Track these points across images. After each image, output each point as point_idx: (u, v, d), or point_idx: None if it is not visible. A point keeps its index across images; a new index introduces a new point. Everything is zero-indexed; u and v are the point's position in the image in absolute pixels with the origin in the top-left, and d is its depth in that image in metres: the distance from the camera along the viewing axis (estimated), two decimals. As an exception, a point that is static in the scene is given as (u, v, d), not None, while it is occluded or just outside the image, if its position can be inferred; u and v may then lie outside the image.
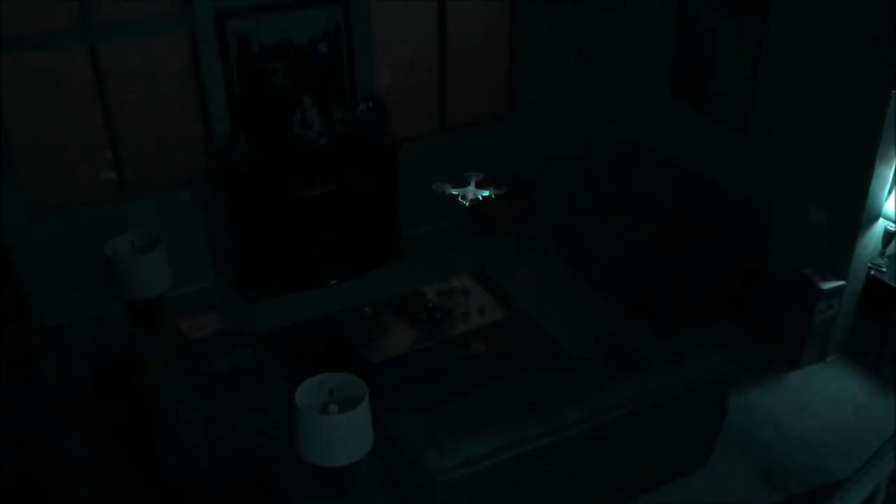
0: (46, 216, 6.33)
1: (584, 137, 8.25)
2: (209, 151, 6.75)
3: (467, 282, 6.39)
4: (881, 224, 5.82)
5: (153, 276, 5.13)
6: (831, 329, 6.09)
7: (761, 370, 6.15)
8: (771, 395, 5.95)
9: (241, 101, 6.61)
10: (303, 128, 6.78)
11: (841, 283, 5.88)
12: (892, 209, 5.70)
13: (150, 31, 6.23)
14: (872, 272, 5.96)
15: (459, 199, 6.26)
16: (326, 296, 6.98)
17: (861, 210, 5.70)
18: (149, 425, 5.05)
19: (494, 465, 4.23)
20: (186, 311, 6.16)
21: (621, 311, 6.73)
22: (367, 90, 7.06)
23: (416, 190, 7.53)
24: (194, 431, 4.58)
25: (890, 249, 5.94)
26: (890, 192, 5.72)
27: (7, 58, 5.74)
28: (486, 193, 6.24)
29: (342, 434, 3.66)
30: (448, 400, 5.31)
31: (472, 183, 6.27)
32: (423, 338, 5.88)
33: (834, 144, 5.75)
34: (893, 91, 5.29)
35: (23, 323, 5.84)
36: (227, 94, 6.55)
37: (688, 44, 6.81)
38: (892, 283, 5.88)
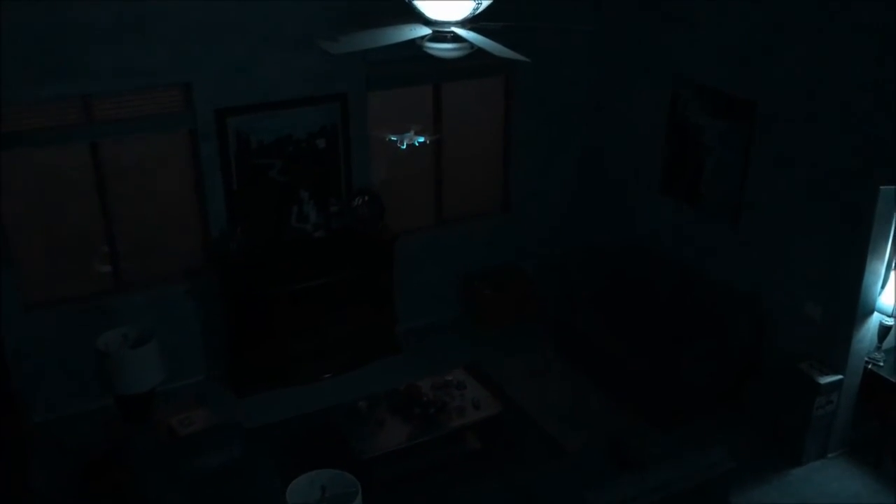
0: (41, 309, 6.30)
1: (580, 232, 8.33)
2: (206, 244, 6.79)
3: (462, 375, 6.34)
4: (876, 318, 5.83)
5: (145, 370, 5.09)
6: (832, 425, 6.02)
7: (762, 467, 6.03)
8: (773, 494, 5.83)
9: (238, 195, 6.69)
10: (299, 221, 6.85)
11: (839, 377, 5.84)
12: (886, 303, 5.71)
13: (151, 129, 6.35)
14: (870, 366, 5.93)
15: (397, 143, 6.96)
16: (320, 390, 6.90)
17: (855, 304, 5.71)
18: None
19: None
20: (177, 405, 6.08)
21: (620, 406, 6.65)
22: (364, 183, 7.17)
23: (412, 283, 7.57)
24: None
25: (887, 343, 5.93)
26: (883, 287, 5.74)
27: (6, 152, 5.83)
28: (421, 139, 6.95)
29: (334, 535, 3.56)
30: (443, 498, 5.20)
31: (412, 130, 6.98)
32: (417, 433, 5.79)
33: (826, 239, 5.82)
34: (882, 187, 5.38)
35: (14, 421, 5.72)
36: (225, 188, 6.64)
37: (679, 141, 6.96)
38: (890, 378, 5.84)
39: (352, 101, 6.90)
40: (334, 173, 7.04)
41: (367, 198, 7.11)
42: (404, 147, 6.97)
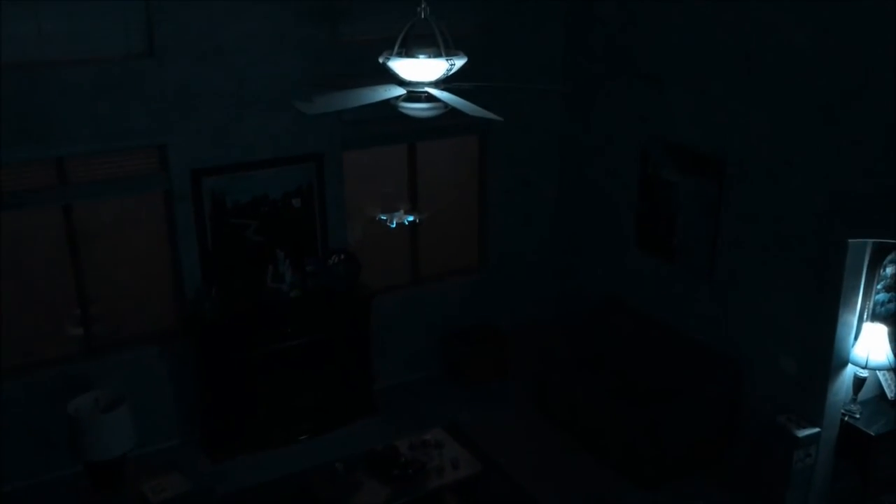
0: (9, 373, 6.17)
1: (556, 291, 8.37)
2: (180, 306, 6.72)
3: (440, 435, 6.26)
4: (850, 370, 5.86)
5: (116, 435, 4.99)
6: (811, 478, 6.00)
7: (744, 523, 5.99)
8: (756, 550, 5.77)
9: (213, 255, 6.66)
10: (275, 281, 6.81)
11: (816, 430, 5.85)
12: (860, 355, 5.76)
13: (126, 191, 6.33)
14: (847, 419, 5.95)
15: (387, 222, 7.13)
16: (297, 452, 6.78)
17: (829, 357, 5.75)
18: None
19: None
20: (150, 471, 5.94)
21: (601, 466, 6.58)
22: (340, 242, 7.17)
23: (389, 341, 7.53)
24: None
25: (862, 395, 5.96)
26: (856, 339, 5.80)
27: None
28: (410, 218, 7.13)
29: None
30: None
31: (402, 210, 7.20)
32: (395, 495, 5.69)
33: (798, 293, 5.88)
34: (850, 240, 5.47)
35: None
36: (200, 248, 6.61)
37: (651, 198, 7.06)
38: (866, 430, 5.85)
39: (327, 161, 6.94)
40: (310, 233, 7.04)
41: (342, 256, 7.10)
42: (394, 226, 7.14)
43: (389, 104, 4.16)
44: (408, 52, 3.91)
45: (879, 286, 5.81)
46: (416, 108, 4.13)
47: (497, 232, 8.05)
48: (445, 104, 4.10)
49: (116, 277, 6.48)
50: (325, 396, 7.06)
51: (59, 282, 6.29)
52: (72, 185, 6.08)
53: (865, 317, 5.82)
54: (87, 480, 5.51)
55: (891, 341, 5.78)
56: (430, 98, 4.08)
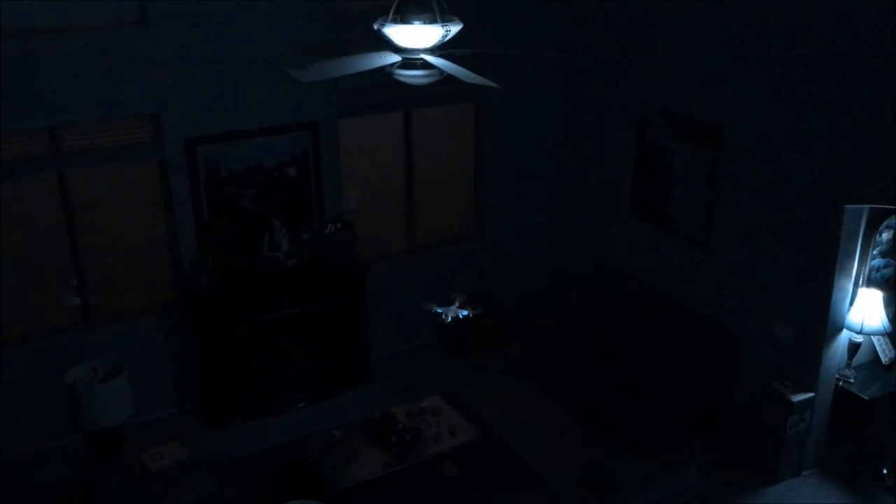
0: (7, 344, 6.18)
1: (551, 260, 8.36)
2: (176, 276, 6.72)
3: (438, 402, 6.30)
4: (845, 335, 5.90)
5: (115, 404, 5.01)
6: (805, 442, 6.06)
7: (738, 487, 6.05)
8: (750, 513, 5.85)
9: (209, 225, 6.64)
10: (271, 250, 6.80)
11: (811, 395, 5.90)
12: (855, 321, 5.78)
13: (120, 160, 6.31)
14: (841, 383, 5.99)
15: (442, 316, 6.96)
16: (294, 420, 6.82)
17: (825, 323, 5.78)
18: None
19: None
20: (149, 439, 5.98)
21: (596, 433, 6.63)
22: (336, 211, 7.15)
23: (386, 310, 7.54)
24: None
25: (856, 360, 6.00)
26: (851, 304, 5.82)
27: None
28: (465, 313, 6.98)
29: (310, 568, 3.51)
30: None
31: (456, 303, 7.08)
32: (393, 461, 5.73)
33: (794, 260, 5.89)
34: (847, 206, 5.47)
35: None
36: (196, 218, 6.59)
37: (648, 167, 7.04)
38: (860, 395, 5.90)
39: (322, 129, 6.90)
40: (306, 202, 7.02)
41: (339, 226, 7.09)
42: (449, 321, 7.13)
43: (384, 71, 4.12)
44: (402, 18, 3.87)
45: (875, 251, 5.82)
46: (412, 76, 4.09)
47: (493, 201, 8.02)
48: (441, 71, 4.07)
49: (113, 248, 6.47)
50: (322, 365, 7.09)
51: (56, 252, 6.29)
52: (65, 155, 6.05)
53: (861, 282, 5.84)
54: (87, 449, 5.54)
55: (886, 306, 5.80)
56: (426, 65, 4.05)
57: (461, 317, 7.09)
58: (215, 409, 6.76)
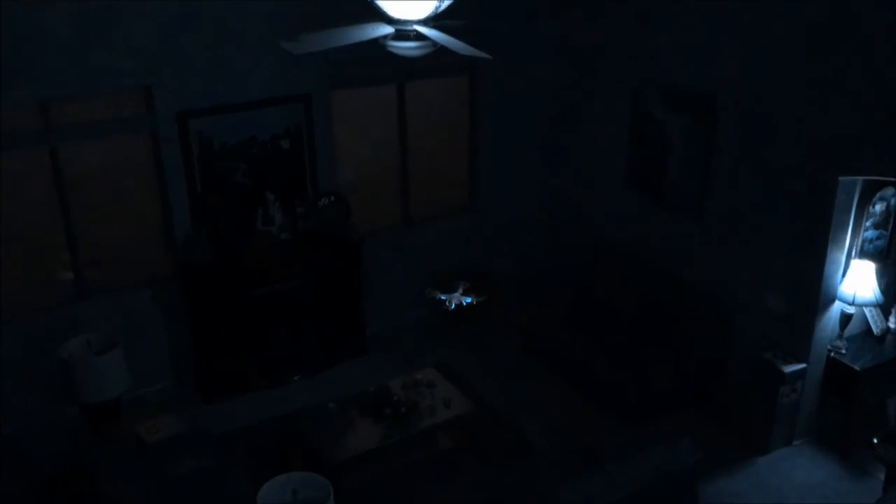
0: (1, 319, 6.18)
1: (546, 231, 8.37)
2: (170, 250, 6.71)
3: (432, 375, 6.33)
4: (837, 307, 5.93)
5: (110, 377, 5.02)
6: (797, 413, 6.12)
7: (730, 457, 6.11)
8: (740, 483, 5.90)
9: (202, 199, 6.62)
10: (265, 224, 6.79)
11: (803, 366, 5.94)
12: (847, 292, 5.81)
13: (112, 133, 6.27)
14: (833, 354, 6.04)
15: (446, 303, 7.08)
16: (290, 393, 6.85)
17: (817, 294, 5.81)
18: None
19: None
20: (144, 412, 6.00)
21: (589, 405, 6.68)
22: (330, 185, 7.13)
23: (380, 284, 7.55)
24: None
25: (848, 331, 6.04)
26: (844, 276, 5.85)
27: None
28: (468, 300, 7.10)
29: (306, 538, 3.54)
30: (415, 499, 5.20)
31: (460, 290, 7.17)
32: (388, 433, 5.77)
33: (787, 231, 5.90)
34: (840, 178, 5.48)
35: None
36: (189, 192, 6.56)
37: (642, 138, 7.02)
38: (852, 365, 5.95)
39: (315, 102, 6.86)
40: (299, 175, 7.00)
41: (332, 199, 7.08)
42: (453, 307, 7.20)
43: (378, 43, 4.09)
44: (396, -12, 3.83)
45: (868, 223, 5.84)
46: (405, 47, 4.06)
47: (487, 173, 8.01)
48: (434, 43, 4.04)
49: (106, 222, 6.45)
50: (317, 338, 7.11)
51: (49, 226, 6.26)
52: (56, 128, 6.01)
53: (854, 254, 5.86)
54: (83, 422, 5.56)
55: (878, 278, 5.83)
56: (419, 36, 4.01)
57: (465, 304, 7.20)
58: (211, 382, 6.78)
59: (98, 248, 6.50)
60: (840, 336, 6.03)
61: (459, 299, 7.19)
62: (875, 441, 5.43)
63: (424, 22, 3.98)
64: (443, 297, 7.22)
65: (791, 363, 5.93)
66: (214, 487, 5.00)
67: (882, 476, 5.49)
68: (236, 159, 6.67)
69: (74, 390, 5.05)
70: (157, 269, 6.75)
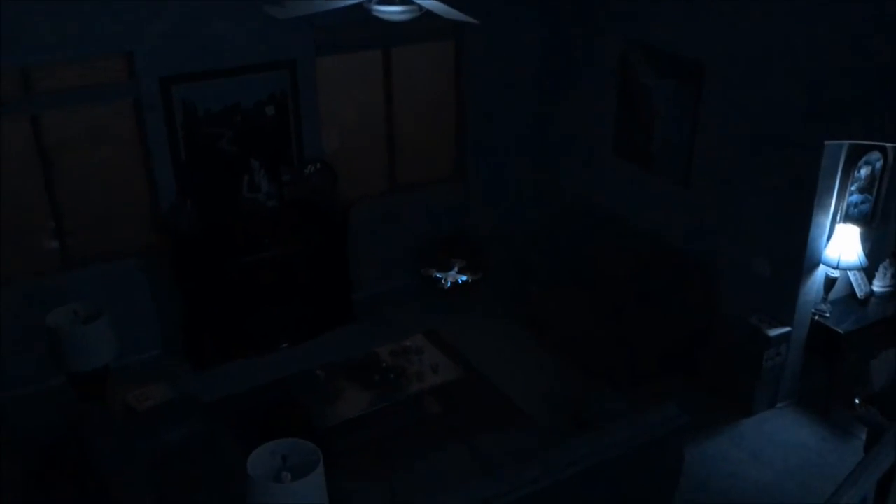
0: (-15, 288, 6.16)
1: (533, 198, 8.36)
2: (155, 218, 6.67)
3: (420, 341, 6.36)
4: (822, 271, 5.98)
5: (97, 346, 5.00)
6: (781, 375, 6.19)
7: (715, 420, 6.19)
8: (725, 445, 5.99)
9: (187, 166, 6.57)
10: (251, 191, 6.76)
11: (787, 329, 6.00)
12: (832, 256, 5.86)
13: (94, 100, 6.19)
14: (817, 318, 6.10)
15: (442, 281, 7.15)
16: (278, 360, 6.87)
17: (802, 258, 5.85)
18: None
19: (453, 528, 4.15)
20: (132, 381, 6.01)
21: (577, 370, 6.74)
22: (316, 152, 7.09)
23: (368, 251, 7.54)
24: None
25: (832, 295, 6.09)
26: (829, 240, 5.88)
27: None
28: (464, 278, 7.19)
29: (296, 502, 3.57)
30: (404, 463, 5.24)
31: (455, 268, 7.25)
32: (377, 399, 5.81)
33: (773, 196, 5.92)
34: (826, 142, 5.49)
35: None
36: (173, 160, 6.51)
37: (629, 103, 7.00)
38: (835, 328, 6.01)
39: (300, 68, 6.79)
40: (285, 142, 6.95)
41: (319, 166, 7.04)
42: (448, 285, 7.24)
43: (362, 8, 4.05)
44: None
45: (853, 187, 5.87)
46: (390, 12, 4.03)
47: (474, 139, 7.97)
48: (419, 7, 4.00)
49: (90, 190, 6.40)
50: (305, 305, 7.11)
51: (32, 195, 6.20)
52: (37, 95, 5.93)
53: (838, 218, 5.89)
54: (72, 391, 5.56)
55: (862, 242, 5.87)
56: (404, 1, 3.97)
57: (460, 282, 7.25)
58: (199, 349, 6.79)
59: (83, 217, 6.45)
60: (824, 300, 6.09)
61: (455, 277, 7.24)
62: (857, 402, 5.50)
63: (409, -15, 3.93)
64: (438, 276, 7.30)
65: (776, 327, 5.99)
66: (205, 454, 5.02)
67: (863, 436, 5.57)
68: (221, 126, 6.61)
69: (62, 359, 5.04)
70: (142, 238, 6.71)
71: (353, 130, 7.46)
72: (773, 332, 5.96)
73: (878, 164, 5.90)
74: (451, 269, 7.31)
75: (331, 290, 7.21)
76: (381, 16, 4.09)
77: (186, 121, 6.46)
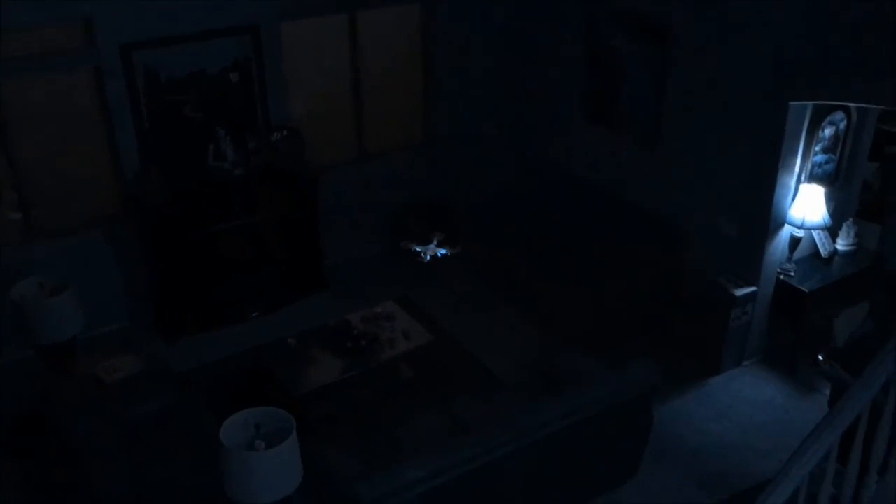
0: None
1: (503, 163, 8.34)
2: (120, 188, 6.56)
3: (392, 307, 6.36)
4: (787, 231, 6.06)
5: (64, 318, 4.93)
6: (747, 334, 6.29)
7: (684, 379, 6.29)
8: (694, 403, 6.10)
9: (151, 135, 6.46)
10: (217, 160, 6.67)
11: (753, 289, 6.09)
12: (797, 216, 5.93)
13: (53, 68, 6.04)
14: (782, 277, 6.19)
15: (421, 255, 7.19)
16: (249, 330, 6.84)
17: (767, 218, 5.92)
18: (71, 481, 4.81)
19: (428, 491, 4.19)
20: (102, 353, 5.94)
21: (549, 333, 6.78)
22: (282, 119, 7.00)
23: (337, 218, 7.50)
24: (121, 483, 4.39)
25: (797, 254, 6.18)
26: (793, 200, 5.96)
27: None
28: (443, 251, 7.23)
29: (271, 470, 3.57)
30: (378, 429, 5.27)
31: (434, 241, 7.29)
32: (349, 366, 5.82)
33: (739, 157, 5.97)
34: (791, 102, 5.53)
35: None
36: (136, 128, 6.39)
37: (599, 67, 6.98)
38: (800, 287, 6.11)
39: (264, 33, 6.67)
40: (251, 109, 6.85)
41: (286, 133, 6.95)
42: (428, 259, 7.22)
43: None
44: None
45: (818, 147, 5.93)
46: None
47: (443, 105, 7.92)
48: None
49: (53, 161, 6.27)
50: (275, 274, 7.07)
51: (-9, 166, 6.08)
52: (-7, 64, 5.77)
53: (803, 178, 5.96)
54: (39, 365, 5.50)
55: (826, 201, 5.95)
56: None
57: (439, 255, 7.27)
58: (168, 320, 6.73)
59: (46, 188, 6.32)
60: (789, 259, 6.18)
61: (434, 251, 7.26)
62: (820, 358, 5.62)
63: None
64: (418, 249, 7.34)
65: (742, 286, 6.08)
66: (178, 425, 5.00)
67: (827, 392, 5.70)
68: (184, 93, 6.50)
69: (28, 332, 4.96)
70: (107, 208, 6.61)
71: (321, 97, 7.37)
72: (740, 292, 6.05)
73: (842, 125, 5.97)
74: (430, 242, 7.31)
75: (301, 259, 7.17)
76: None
77: (149, 88, 6.33)
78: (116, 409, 4.99)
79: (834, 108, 5.82)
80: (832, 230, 6.26)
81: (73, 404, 4.86)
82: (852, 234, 6.32)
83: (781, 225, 6.02)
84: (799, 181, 5.95)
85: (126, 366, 5.57)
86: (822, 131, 5.89)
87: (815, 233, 6.22)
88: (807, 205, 5.88)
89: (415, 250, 7.32)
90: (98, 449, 4.57)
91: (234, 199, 6.69)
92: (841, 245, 6.33)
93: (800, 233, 6.03)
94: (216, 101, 6.65)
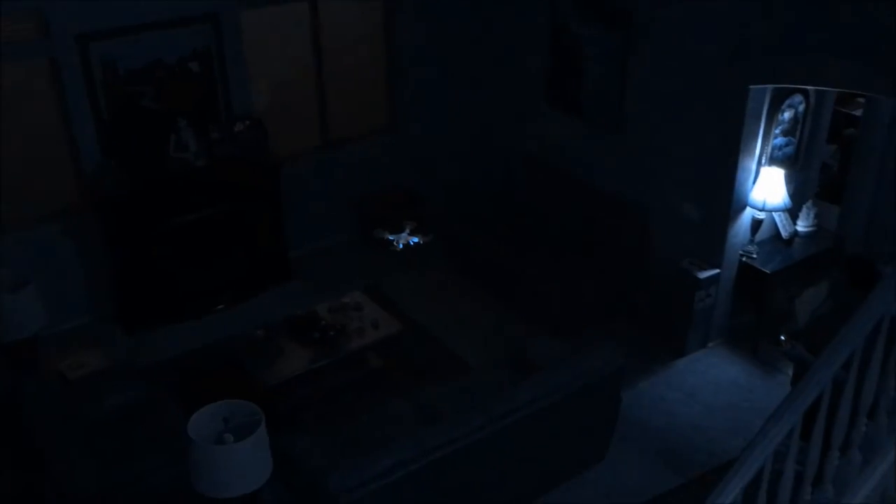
0: None
1: (467, 149, 8.33)
2: (80, 181, 6.45)
3: (359, 297, 6.35)
4: (749, 213, 6.14)
5: (26, 314, 4.85)
6: (711, 316, 6.38)
7: (650, 361, 6.36)
8: (660, 385, 6.17)
9: (110, 126, 6.35)
10: (178, 151, 6.57)
11: (716, 271, 6.17)
12: (758, 198, 6.01)
13: (6, 59, 5.90)
14: (744, 259, 6.28)
15: (394, 243, 7.22)
16: (215, 322, 6.78)
17: (729, 201, 5.99)
18: (36, 480, 4.75)
19: (399, 479, 4.20)
20: (66, 348, 5.86)
21: (517, 318, 6.81)
22: (244, 109, 6.92)
23: (302, 208, 7.45)
24: (87, 480, 4.34)
25: (759, 236, 6.27)
26: (755, 183, 6.04)
27: None
28: (416, 240, 7.24)
29: (240, 463, 3.55)
30: (348, 419, 5.26)
31: (407, 230, 7.31)
32: (318, 357, 5.80)
33: (701, 141, 6.03)
34: (751, 86, 5.59)
35: None
36: (95, 120, 6.28)
37: (561, 54, 6.99)
38: (762, 268, 6.20)
39: (224, 22, 6.58)
40: (212, 99, 6.76)
41: (248, 122, 6.88)
42: (401, 247, 7.24)
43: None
44: None
45: (777, 130, 6.01)
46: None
47: (406, 92, 7.88)
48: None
49: (10, 155, 6.13)
50: (241, 265, 7.01)
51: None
52: (-56, 56, 5.63)
53: (763, 161, 6.04)
54: (1, 362, 5.40)
55: (787, 184, 6.04)
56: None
57: (412, 244, 7.28)
58: (133, 314, 6.64)
59: (3, 181, 6.18)
60: (751, 241, 6.27)
61: (407, 239, 7.26)
62: (783, 338, 5.72)
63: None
64: (391, 238, 7.32)
65: (705, 269, 6.15)
66: (145, 420, 4.95)
67: (790, 371, 5.81)
68: (143, 84, 6.39)
69: (-12, 329, 4.88)
70: (67, 202, 6.49)
71: (283, 85, 7.30)
72: (703, 275, 6.12)
73: (801, 107, 6.05)
74: (402, 231, 7.31)
75: (266, 249, 7.12)
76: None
77: (107, 79, 6.22)
78: (82, 405, 4.93)
79: (793, 92, 5.90)
80: (792, 212, 6.35)
81: (38, 401, 4.79)
82: (812, 215, 6.42)
83: (743, 207, 6.09)
84: (760, 164, 6.02)
85: (90, 361, 5.52)
86: (782, 114, 5.97)
87: (776, 215, 6.31)
88: (768, 187, 5.96)
89: (387, 239, 7.29)
90: (63, 447, 4.50)
91: (196, 190, 6.61)
92: (801, 226, 6.43)
93: (761, 215, 6.11)
94: (176, 92, 6.55)
